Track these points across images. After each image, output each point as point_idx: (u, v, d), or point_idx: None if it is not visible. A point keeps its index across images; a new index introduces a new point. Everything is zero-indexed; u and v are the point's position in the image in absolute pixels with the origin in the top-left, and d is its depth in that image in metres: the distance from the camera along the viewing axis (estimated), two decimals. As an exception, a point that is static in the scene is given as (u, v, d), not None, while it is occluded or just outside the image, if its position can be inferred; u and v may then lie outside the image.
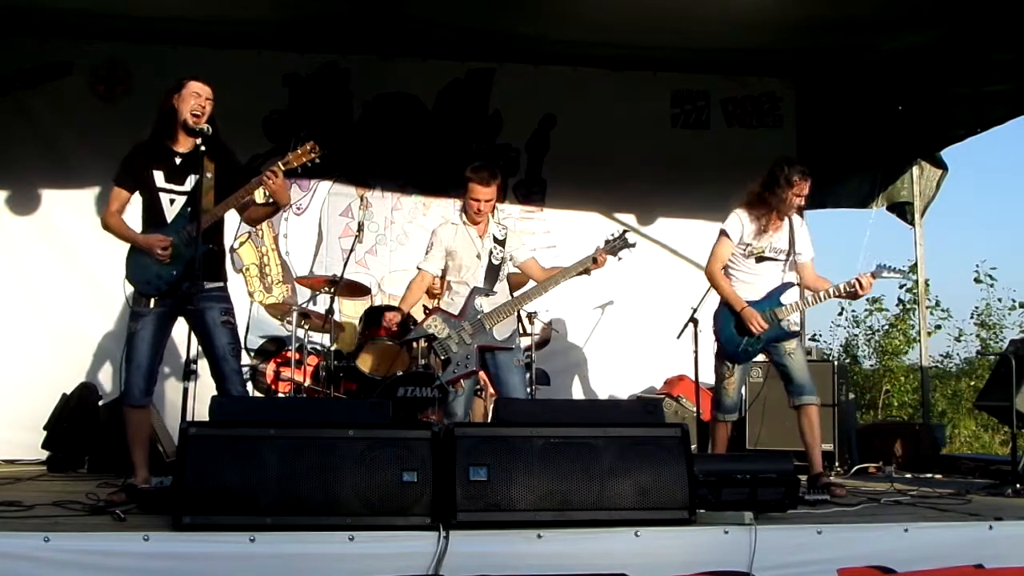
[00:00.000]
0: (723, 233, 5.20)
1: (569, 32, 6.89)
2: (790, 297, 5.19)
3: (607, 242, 5.11)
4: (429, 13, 6.65)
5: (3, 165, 6.97)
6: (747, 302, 5.11)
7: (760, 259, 5.16)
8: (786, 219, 5.19)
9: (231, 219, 4.77)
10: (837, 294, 5.13)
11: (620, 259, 5.14)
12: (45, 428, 6.09)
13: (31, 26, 6.83)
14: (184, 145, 4.42)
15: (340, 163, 7.34)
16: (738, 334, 5.15)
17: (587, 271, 5.06)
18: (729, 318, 5.17)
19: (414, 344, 5.99)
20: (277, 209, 4.71)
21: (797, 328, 5.27)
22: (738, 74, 7.86)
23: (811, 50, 7.21)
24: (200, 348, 4.38)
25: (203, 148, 4.24)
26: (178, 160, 4.43)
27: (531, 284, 5.29)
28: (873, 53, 7.04)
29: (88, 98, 7.15)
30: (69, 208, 7.04)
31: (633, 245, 5.14)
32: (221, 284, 4.53)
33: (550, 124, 7.74)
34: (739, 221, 5.15)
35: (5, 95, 6.97)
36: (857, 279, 5.04)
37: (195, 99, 4.36)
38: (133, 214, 4.56)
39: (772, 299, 5.14)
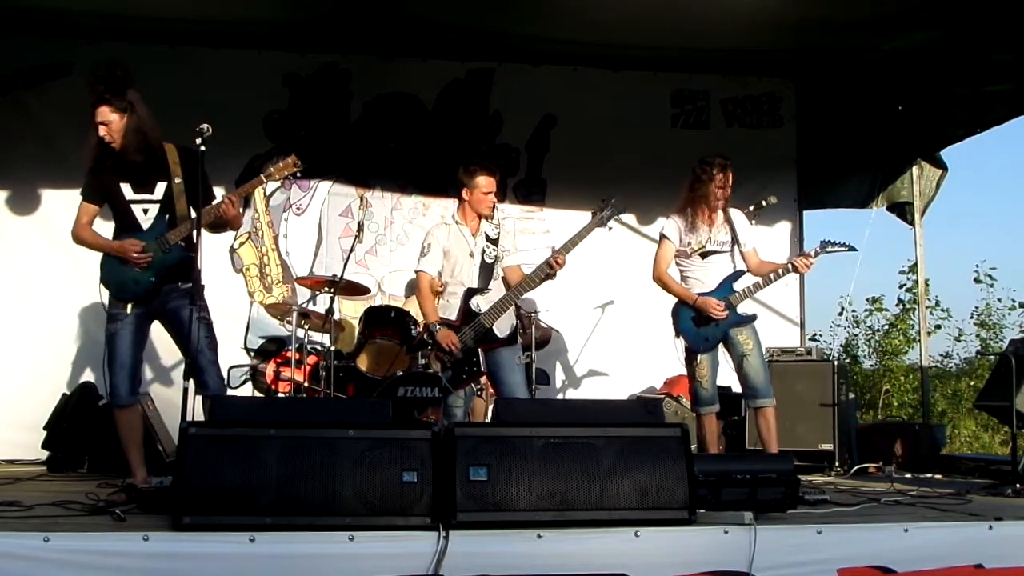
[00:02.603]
0: (662, 237, 5.53)
1: (569, 32, 6.88)
2: (741, 284, 5.44)
3: (594, 215, 5.16)
4: (429, 13, 6.65)
5: (3, 165, 6.97)
6: (699, 294, 5.36)
7: (705, 254, 5.43)
8: (720, 213, 5.46)
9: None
10: (779, 276, 5.40)
11: (611, 229, 5.26)
12: (45, 428, 6.09)
13: (31, 26, 6.83)
14: (137, 156, 4.44)
15: (340, 163, 7.34)
16: (696, 326, 5.38)
17: (550, 276, 5.08)
18: (686, 312, 5.41)
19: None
20: (230, 225, 4.77)
21: (753, 313, 5.51)
22: (738, 74, 7.87)
23: (811, 50, 7.21)
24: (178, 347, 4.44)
25: (203, 148, 4.24)
26: (135, 169, 4.45)
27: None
28: (873, 53, 7.04)
29: (88, 98, 7.12)
30: (69, 208, 6.88)
31: (622, 211, 5.26)
32: (190, 284, 4.53)
33: (550, 124, 7.74)
34: (674, 223, 5.49)
35: (5, 95, 6.97)
36: (791, 263, 5.38)
37: (101, 129, 4.40)
38: (105, 226, 4.64)
39: (725, 287, 5.40)
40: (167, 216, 4.40)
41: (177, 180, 4.40)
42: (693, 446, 4.28)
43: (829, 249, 5.43)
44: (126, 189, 4.49)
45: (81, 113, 7.09)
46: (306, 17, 6.75)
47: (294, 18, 6.77)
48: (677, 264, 5.52)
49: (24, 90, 7.01)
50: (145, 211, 4.48)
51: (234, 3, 6.52)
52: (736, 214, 5.55)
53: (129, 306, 4.41)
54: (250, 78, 7.19)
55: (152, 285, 4.37)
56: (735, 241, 5.48)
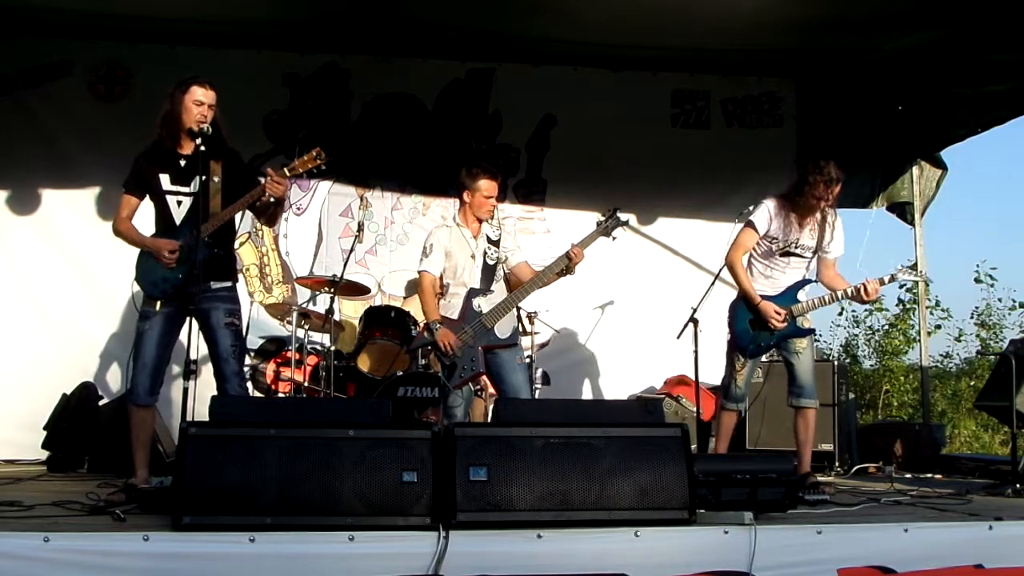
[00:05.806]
0: (749, 224, 5.16)
1: (569, 32, 6.89)
2: (807, 294, 5.19)
3: (599, 224, 5.10)
4: (429, 13, 6.65)
5: (3, 165, 6.97)
6: (764, 296, 5.09)
7: (785, 254, 5.14)
8: (818, 216, 5.14)
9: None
10: (845, 297, 5.13)
11: (615, 239, 5.13)
12: (45, 428, 6.09)
13: (31, 26, 6.83)
14: (188, 147, 4.42)
15: (340, 163, 7.33)
16: (752, 329, 5.14)
17: (567, 270, 5.02)
18: (745, 312, 5.15)
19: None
20: (281, 203, 4.63)
21: (811, 326, 5.26)
22: (738, 74, 7.86)
23: (811, 50, 7.21)
24: (205, 348, 4.39)
25: (203, 148, 4.25)
26: (183, 162, 4.44)
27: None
28: (874, 53, 7.04)
29: (88, 98, 7.14)
30: (69, 208, 7.04)
31: (625, 223, 5.15)
32: (229, 284, 4.53)
33: (550, 124, 7.74)
34: (767, 213, 5.10)
35: (5, 95, 6.97)
36: (864, 284, 5.01)
37: (197, 108, 4.34)
38: (145, 218, 4.58)
39: (789, 295, 5.13)
40: (198, 212, 4.36)
41: (216, 178, 4.37)
42: (693, 446, 4.28)
43: (902, 278, 5.20)
44: (164, 180, 4.45)
45: (81, 113, 7.17)
46: (306, 17, 6.75)
47: (294, 18, 6.77)
48: (752, 255, 5.21)
49: (24, 90, 7.01)
50: (179, 203, 4.46)
51: (234, 3, 6.52)
52: (834, 219, 5.23)
53: (159, 304, 4.39)
54: (250, 78, 7.19)
55: (180, 281, 4.32)
56: (818, 249, 5.17)
